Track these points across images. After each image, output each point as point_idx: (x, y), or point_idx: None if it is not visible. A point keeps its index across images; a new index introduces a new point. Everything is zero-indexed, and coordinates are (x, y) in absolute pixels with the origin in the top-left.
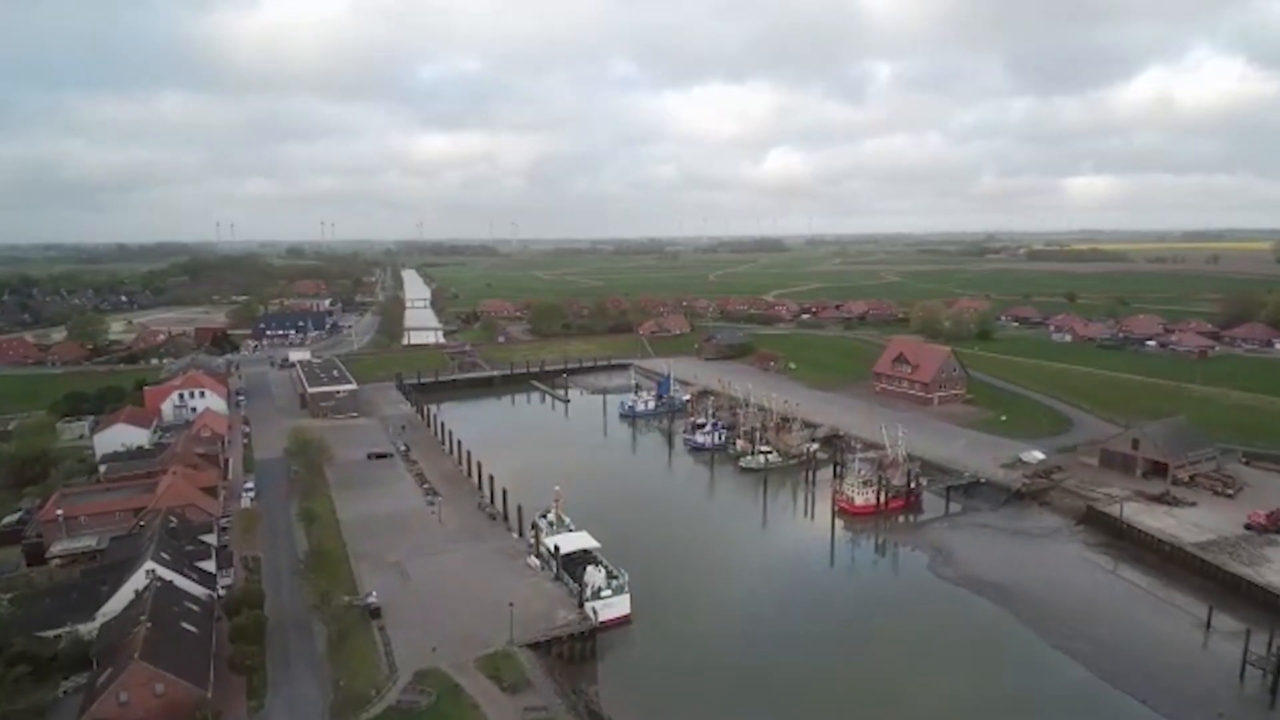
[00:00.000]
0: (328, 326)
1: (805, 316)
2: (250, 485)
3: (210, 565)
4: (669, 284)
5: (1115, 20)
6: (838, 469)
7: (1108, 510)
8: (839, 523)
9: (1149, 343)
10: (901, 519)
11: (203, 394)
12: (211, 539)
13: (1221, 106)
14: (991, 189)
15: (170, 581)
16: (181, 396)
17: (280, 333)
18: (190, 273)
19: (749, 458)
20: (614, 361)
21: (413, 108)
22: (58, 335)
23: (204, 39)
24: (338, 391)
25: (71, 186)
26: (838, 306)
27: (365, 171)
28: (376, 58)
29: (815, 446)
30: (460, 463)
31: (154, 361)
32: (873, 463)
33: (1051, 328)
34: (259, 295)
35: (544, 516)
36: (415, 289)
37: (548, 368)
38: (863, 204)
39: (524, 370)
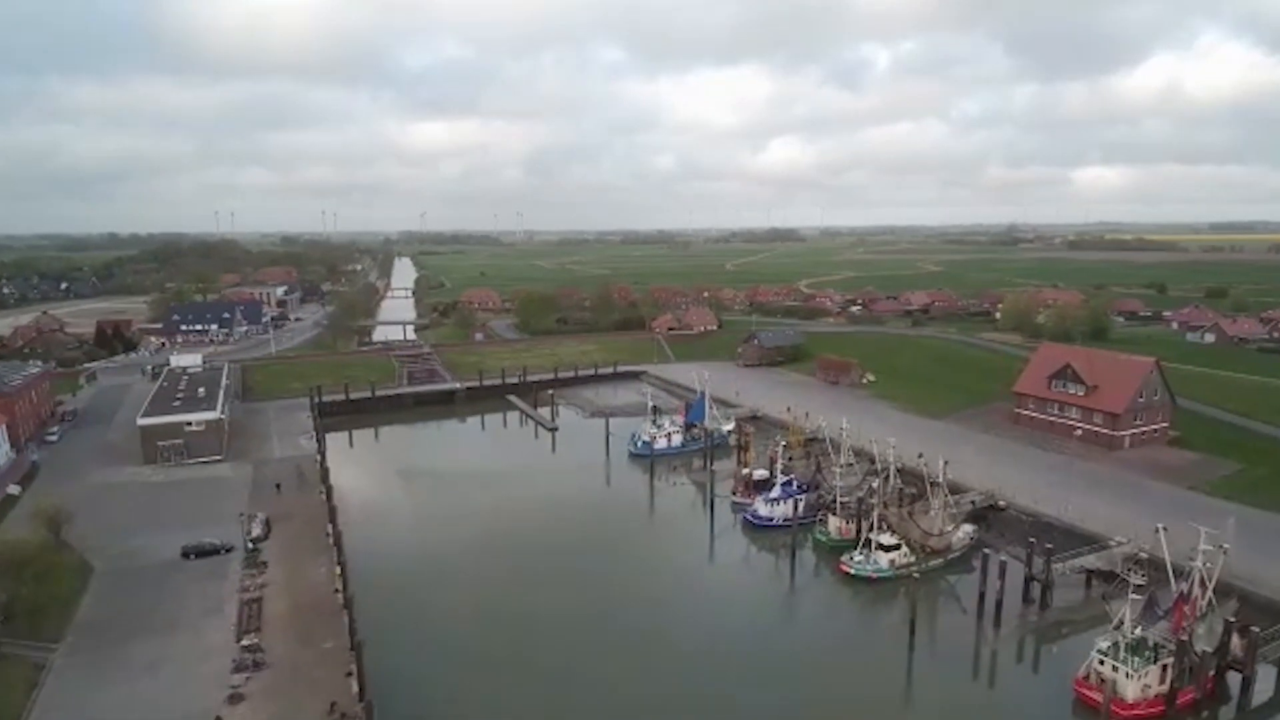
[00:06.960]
0: (265, 320)
1: (855, 309)
2: None
3: None
4: (683, 273)
5: (1116, 3)
6: (1033, 584)
7: None
8: None
9: None
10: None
11: None
12: None
13: (1231, 95)
14: (999, 179)
15: None
16: None
17: (198, 327)
18: (160, 260)
19: (859, 558)
20: (620, 369)
21: (404, 96)
22: None
23: (182, 22)
24: (188, 423)
25: (66, 176)
26: (891, 298)
27: (361, 161)
28: (360, 42)
29: (972, 531)
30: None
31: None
32: (1143, 593)
33: (1175, 324)
34: (201, 282)
35: None
36: (404, 277)
37: (532, 377)
38: (867, 195)
39: (498, 381)
